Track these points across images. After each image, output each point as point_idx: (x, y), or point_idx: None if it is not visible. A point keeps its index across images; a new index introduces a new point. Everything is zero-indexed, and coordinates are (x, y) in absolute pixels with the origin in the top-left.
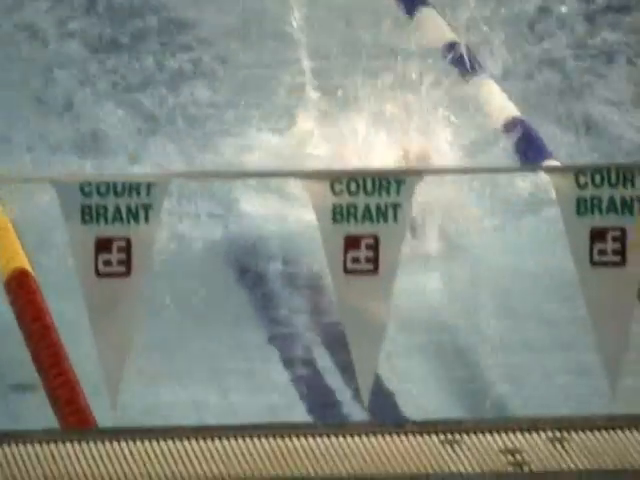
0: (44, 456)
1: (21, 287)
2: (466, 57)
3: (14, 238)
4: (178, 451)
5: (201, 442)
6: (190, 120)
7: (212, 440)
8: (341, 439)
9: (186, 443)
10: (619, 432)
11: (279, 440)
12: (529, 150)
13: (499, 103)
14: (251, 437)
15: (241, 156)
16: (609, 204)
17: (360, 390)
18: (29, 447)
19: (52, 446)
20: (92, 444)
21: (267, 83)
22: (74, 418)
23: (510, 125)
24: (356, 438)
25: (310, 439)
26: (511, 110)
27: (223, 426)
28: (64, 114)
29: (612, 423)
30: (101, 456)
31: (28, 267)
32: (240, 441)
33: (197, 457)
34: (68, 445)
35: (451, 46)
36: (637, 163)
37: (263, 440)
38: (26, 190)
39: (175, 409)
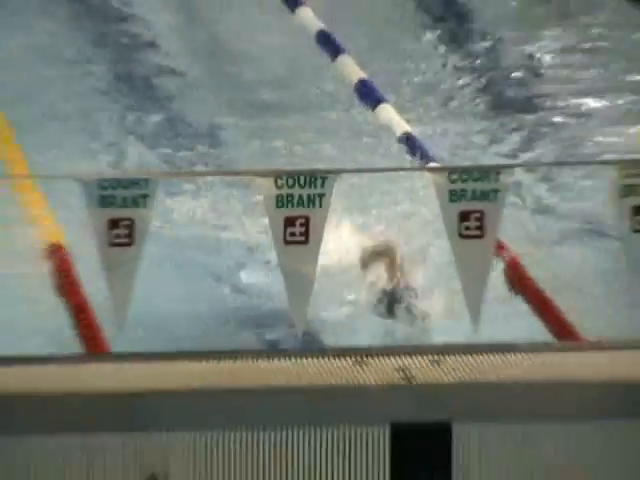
0: None
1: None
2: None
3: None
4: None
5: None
6: None
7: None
8: (275, 360)
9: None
10: (481, 355)
11: (223, 362)
12: (417, 155)
13: (395, 122)
14: (189, 359)
15: None
16: (473, 194)
17: (295, 326)
18: None
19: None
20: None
21: None
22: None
23: (404, 138)
24: (288, 359)
25: (251, 360)
26: (404, 126)
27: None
28: None
29: (475, 349)
30: None
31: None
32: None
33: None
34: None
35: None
36: (492, 165)
37: (203, 361)
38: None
39: None
